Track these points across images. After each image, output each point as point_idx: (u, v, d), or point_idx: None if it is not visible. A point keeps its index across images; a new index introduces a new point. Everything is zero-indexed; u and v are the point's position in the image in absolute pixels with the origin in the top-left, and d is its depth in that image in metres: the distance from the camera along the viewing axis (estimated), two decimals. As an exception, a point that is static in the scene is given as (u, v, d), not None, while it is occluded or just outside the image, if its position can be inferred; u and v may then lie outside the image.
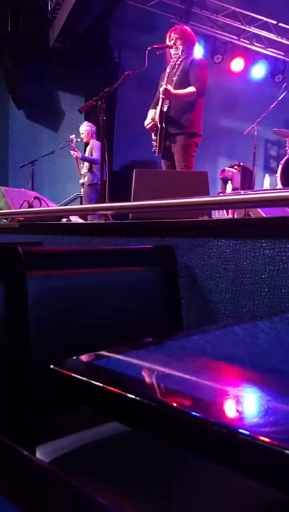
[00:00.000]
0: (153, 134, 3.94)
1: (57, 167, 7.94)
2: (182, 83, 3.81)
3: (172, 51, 3.96)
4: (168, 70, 3.87)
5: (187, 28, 4.27)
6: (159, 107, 3.83)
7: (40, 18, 7.78)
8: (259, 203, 2.02)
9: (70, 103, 8.34)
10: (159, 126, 3.82)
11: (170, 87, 3.75)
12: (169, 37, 4.00)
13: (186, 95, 3.77)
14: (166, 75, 3.85)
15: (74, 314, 1.17)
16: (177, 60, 3.84)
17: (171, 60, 3.89)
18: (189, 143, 3.87)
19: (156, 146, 3.92)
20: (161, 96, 3.79)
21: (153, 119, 3.93)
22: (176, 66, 3.86)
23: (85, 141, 6.54)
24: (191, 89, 3.76)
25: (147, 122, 3.97)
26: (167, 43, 4.01)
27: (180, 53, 3.85)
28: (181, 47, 3.87)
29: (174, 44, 3.96)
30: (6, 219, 3.15)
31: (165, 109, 3.80)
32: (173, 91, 3.75)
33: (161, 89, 3.78)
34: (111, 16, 7.58)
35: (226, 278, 1.46)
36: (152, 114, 3.97)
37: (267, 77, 8.39)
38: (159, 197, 1.98)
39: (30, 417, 1.04)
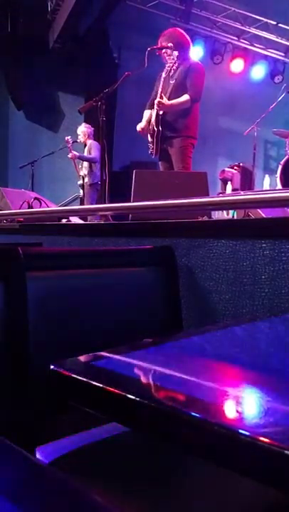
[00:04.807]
0: (149, 136, 3.93)
1: (57, 168, 7.94)
2: (178, 89, 3.78)
3: (166, 56, 3.88)
4: (164, 74, 3.81)
5: (178, 29, 4.15)
6: (155, 111, 3.82)
7: (40, 19, 7.79)
8: (259, 204, 2.03)
9: (70, 104, 8.34)
10: (156, 129, 3.81)
11: (164, 99, 3.72)
12: (160, 43, 3.90)
13: (181, 104, 3.76)
14: (162, 80, 3.82)
15: (74, 315, 1.17)
16: (173, 66, 3.76)
17: (167, 65, 3.81)
18: (186, 144, 3.87)
19: (152, 148, 3.92)
20: (156, 108, 3.76)
21: (148, 122, 3.91)
22: (172, 71, 3.79)
23: (82, 142, 6.57)
24: (185, 97, 3.74)
25: (141, 126, 3.95)
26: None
27: (175, 59, 3.75)
28: (176, 53, 3.76)
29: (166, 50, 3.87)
30: (6, 220, 3.15)
31: (161, 112, 3.78)
32: (167, 102, 3.72)
33: (156, 101, 3.74)
34: (111, 17, 7.57)
35: (226, 278, 1.46)
36: (148, 116, 3.95)
37: (266, 78, 8.40)
38: (159, 197, 1.98)
39: (30, 417, 1.04)
